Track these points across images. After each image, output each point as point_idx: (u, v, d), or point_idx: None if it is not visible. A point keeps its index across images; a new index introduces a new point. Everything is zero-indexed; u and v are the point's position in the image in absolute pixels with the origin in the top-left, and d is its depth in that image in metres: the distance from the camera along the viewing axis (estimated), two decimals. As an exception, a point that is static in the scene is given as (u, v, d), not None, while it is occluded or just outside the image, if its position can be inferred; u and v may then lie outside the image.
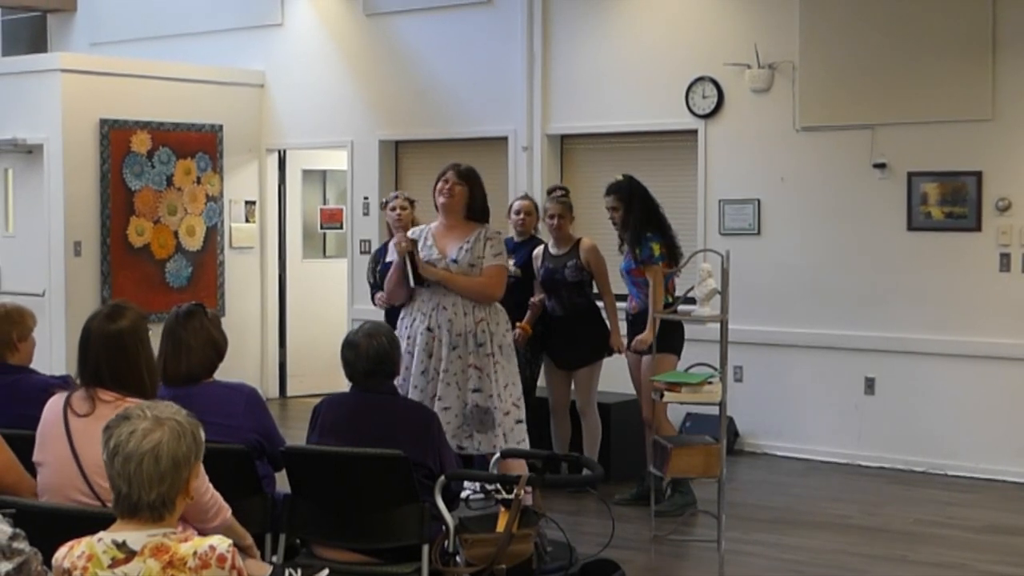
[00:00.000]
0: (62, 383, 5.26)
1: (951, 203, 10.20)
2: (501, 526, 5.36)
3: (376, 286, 9.79)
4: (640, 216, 9.05)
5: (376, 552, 5.63)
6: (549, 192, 10.00)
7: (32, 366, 6.15)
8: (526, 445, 7.59)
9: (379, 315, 8.98)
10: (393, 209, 9.66)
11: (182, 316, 5.72)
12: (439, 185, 7.61)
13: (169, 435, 3.60)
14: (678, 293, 9.00)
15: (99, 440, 3.74)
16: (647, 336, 8.85)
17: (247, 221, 13.90)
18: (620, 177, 9.29)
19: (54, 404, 4.97)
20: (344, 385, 6.05)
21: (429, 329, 7.50)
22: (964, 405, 10.21)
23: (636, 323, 9.14)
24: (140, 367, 5.00)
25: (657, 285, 8.83)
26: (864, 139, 10.50)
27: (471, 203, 7.60)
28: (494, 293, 7.57)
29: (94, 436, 4.59)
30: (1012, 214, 9.98)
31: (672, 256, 8.99)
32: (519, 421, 7.56)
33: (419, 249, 7.59)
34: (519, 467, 7.11)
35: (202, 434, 3.73)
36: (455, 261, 7.49)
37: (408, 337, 7.53)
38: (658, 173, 11.44)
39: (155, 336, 5.69)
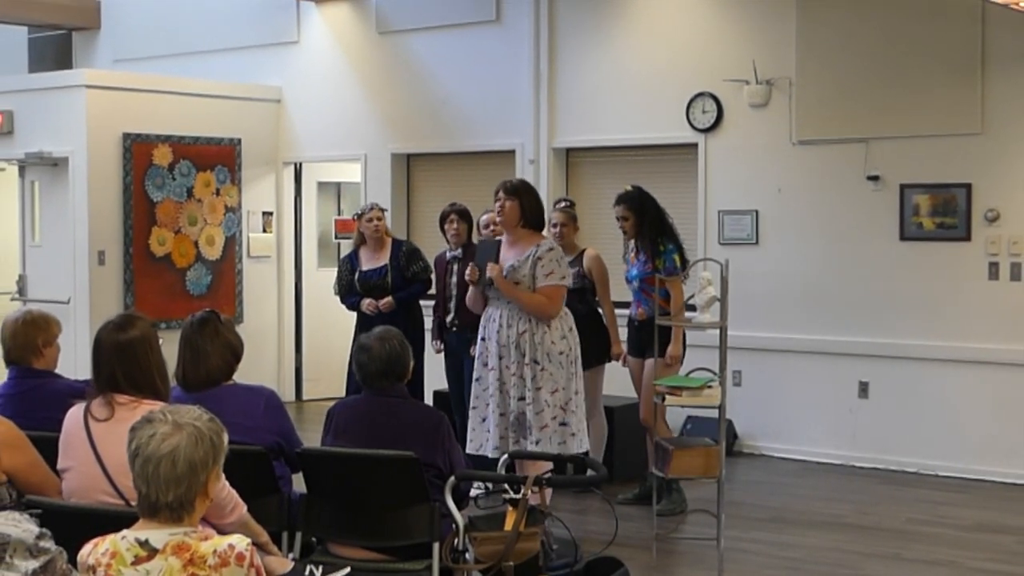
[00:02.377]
0: (86, 387, 5.26)
1: (942, 214, 10.20)
2: (509, 525, 5.36)
3: (349, 292, 9.91)
4: (656, 226, 9.05)
5: (389, 550, 5.63)
6: (555, 204, 10.03)
7: (57, 371, 6.16)
8: (575, 447, 7.66)
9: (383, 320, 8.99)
10: (370, 220, 9.96)
11: (197, 324, 5.72)
12: (495, 206, 7.90)
13: (187, 440, 3.61)
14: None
15: (120, 442, 3.75)
16: (675, 349, 8.87)
17: (264, 231, 13.92)
18: (629, 187, 9.28)
19: (74, 413, 4.98)
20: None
21: (483, 340, 7.82)
22: (954, 408, 10.21)
23: (643, 330, 9.05)
24: (152, 372, 5.01)
25: (679, 296, 8.80)
26: (858, 152, 10.50)
27: (524, 214, 7.82)
28: (549, 311, 7.79)
29: (115, 438, 4.61)
30: (1000, 224, 9.98)
31: (684, 265, 8.99)
32: (563, 424, 7.70)
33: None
34: (541, 467, 7.16)
35: (225, 439, 3.73)
36: (504, 276, 7.73)
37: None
38: (660, 185, 11.41)
39: (175, 341, 5.71)
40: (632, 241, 9.17)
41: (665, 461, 7.40)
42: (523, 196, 7.82)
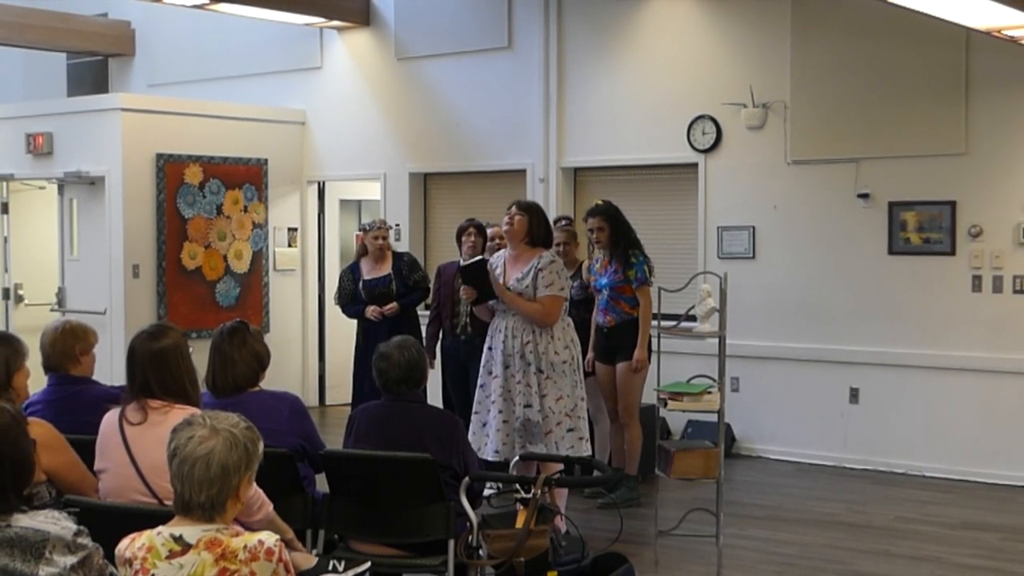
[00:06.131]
0: (120, 393, 5.28)
1: (928, 229, 10.19)
2: (520, 523, 5.35)
3: (352, 301, 9.92)
4: (628, 237, 9.12)
5: (406, 546, 5.64)
6: (555, 222, 10.00)
7: (94, 378, 6.16)
8: (581, 451, 7.64)
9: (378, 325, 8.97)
10: (376, 237, 9.98)
11: (226, 333, 5.73)
12: (504, 218, 7.83)
13: (222, 444, 3.62)
14: (679, 311, 8.99)
15: (153, 444, 3.77)
16: (641, 354, 9.03)
17: (290, 246, 13.93)
18: (600, 201, 9.34)
19: (110, 417, 5.00)
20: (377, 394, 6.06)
21: (489, 349, 7.77)
22: (940, 413, 10.19)
23: (612, 336, 9.16)
24: (183, 379, 5.03)
25: (648, 304, 8.93)
26: (849, 171, 10.50)
27: (531, 231, 7.74)
28: (547, 320, 7.67)
29: (148, 441, 4.63)
30: (983, 240, 9.97)
31: (650, 273, 9.10)
32: (570, 430, 7.64)
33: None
34: (552, 469, 7.15)
35: (259, 447, 3.74)
36: (508, 289, 7.66)
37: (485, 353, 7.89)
38: (662, 202, 11.48)
39: (205, 350, 5.72)
40: (603, 252, 9.21)
41: (667, 463, 7.40)
42: (533, 214, 7.76)
